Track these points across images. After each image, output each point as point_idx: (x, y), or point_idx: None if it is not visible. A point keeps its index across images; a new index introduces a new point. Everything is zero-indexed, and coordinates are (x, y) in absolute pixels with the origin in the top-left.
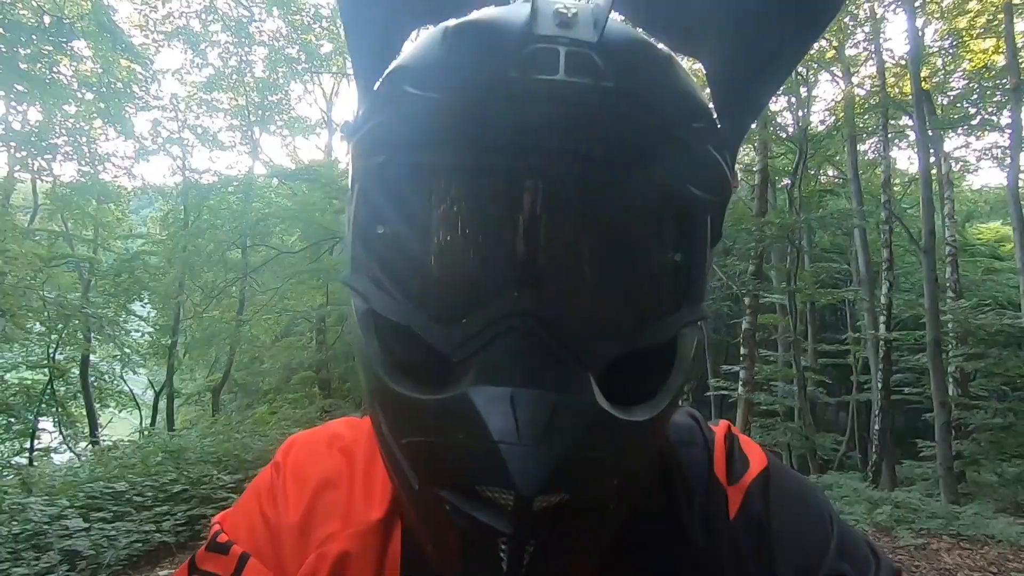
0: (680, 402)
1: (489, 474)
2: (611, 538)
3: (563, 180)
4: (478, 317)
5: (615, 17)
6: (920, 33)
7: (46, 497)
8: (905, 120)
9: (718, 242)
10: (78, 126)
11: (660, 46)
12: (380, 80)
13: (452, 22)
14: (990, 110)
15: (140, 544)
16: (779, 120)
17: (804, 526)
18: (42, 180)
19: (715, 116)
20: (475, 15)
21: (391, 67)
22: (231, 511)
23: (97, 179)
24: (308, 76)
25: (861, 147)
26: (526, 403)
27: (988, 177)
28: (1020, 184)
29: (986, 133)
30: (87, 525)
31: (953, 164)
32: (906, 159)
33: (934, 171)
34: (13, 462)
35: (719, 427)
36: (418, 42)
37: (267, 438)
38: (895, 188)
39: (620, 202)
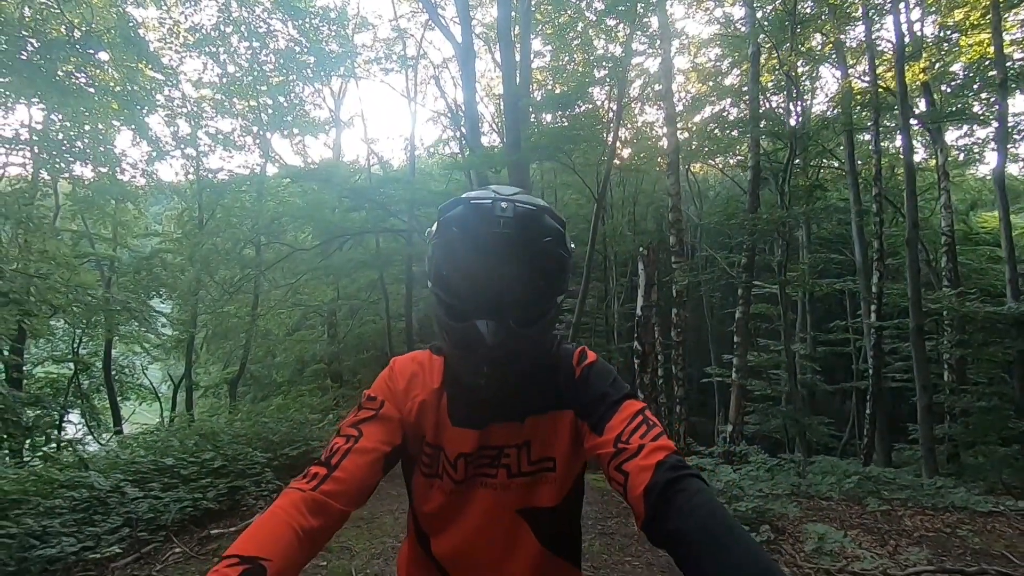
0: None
1: (481, 344)
2: (524, 371)
3: (501, 262)
4: (477, 300)
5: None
6: (921, 25)
7: (101, 473)
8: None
9: (569, 276)
10: (97, 128)
11: (541, 205)
12: (440, 220)
13: (469, 199)
14: (992, 100)
15: (191, 509)
16: (778, 111)
17: (600, 378)
18: (66, 181)
19: (562, 232)
20: (474, 198)
21: (445, 216)
22: (371, 389)
23: (116, 180)
24: (319, 80)
25: (865, 136)
26: (491, 324)
27: (995, 165)
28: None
29: (984, 124)
30: (143, 494)
31: (960, 154)
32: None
33: (933, 161)
34: (44, 450)
35: (579, 348)
36: (458, 208)
37: (291, 422)
38: (898, 177)
39: (521, 268)
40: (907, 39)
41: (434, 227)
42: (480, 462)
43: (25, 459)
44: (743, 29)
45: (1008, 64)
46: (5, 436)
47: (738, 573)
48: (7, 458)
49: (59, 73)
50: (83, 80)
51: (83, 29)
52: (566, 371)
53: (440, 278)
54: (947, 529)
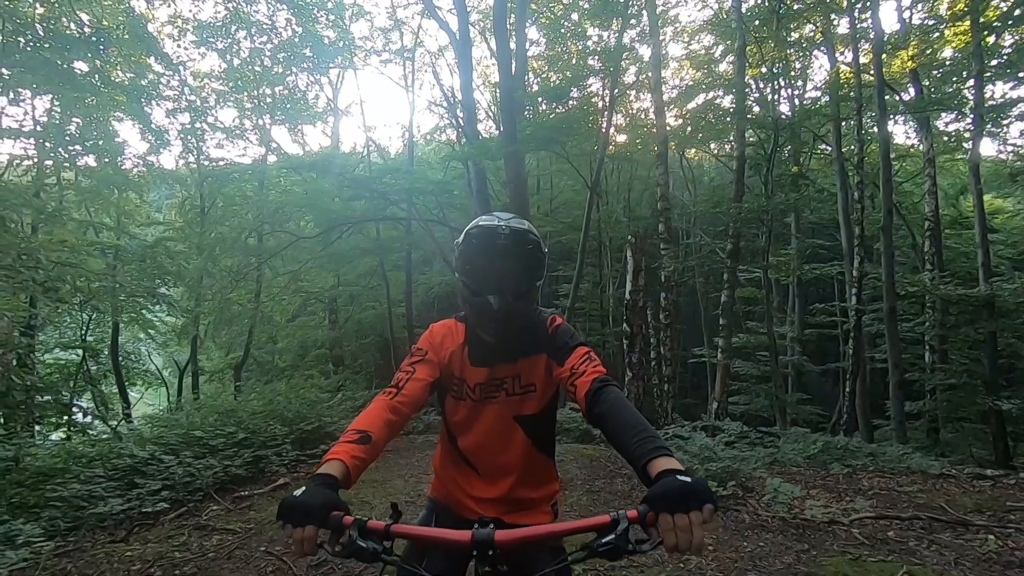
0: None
1: (490, 310)
2: (517, 329)
3: (503, 259)
4: (487, 283)
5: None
6: (910, 13)
7: (136, 445)
8: (894, 97)
9: (544, 269)
10: (102, 119)
11: (527, 225)
12: (464, 234)
13: (482, 223)
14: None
15: (222, 475)
16: (770, 100)
17: (564, 334)
18: (67, 170)
19: (539, 241)
20: (486, 221)
21: (467, 232)
22: (418, 343)
23: (119, 169)
24: (318, 71)
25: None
26: (496, 298)
27: (984, 150)
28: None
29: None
30: (177, 461)
31: (949, 140)
32: (902, 133)
33: (922, 148)
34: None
35: (551, 315)
36: (476, 228)
37: (304, 400)
38: (893, 163)
39: (514, 264)
40: (897, 27)
41: (460, 239)
42: (489, 388)
43: (37, 440)
44: (733, 25)
45: (1002, 51)
46: (40, 416)
47: (626, 425)
48: (20, 435)
49: (77, 70)
50: (97, 79)
51: (94, 26)
52: (543, 329)
53: (464, 270)
54: (899, 488)
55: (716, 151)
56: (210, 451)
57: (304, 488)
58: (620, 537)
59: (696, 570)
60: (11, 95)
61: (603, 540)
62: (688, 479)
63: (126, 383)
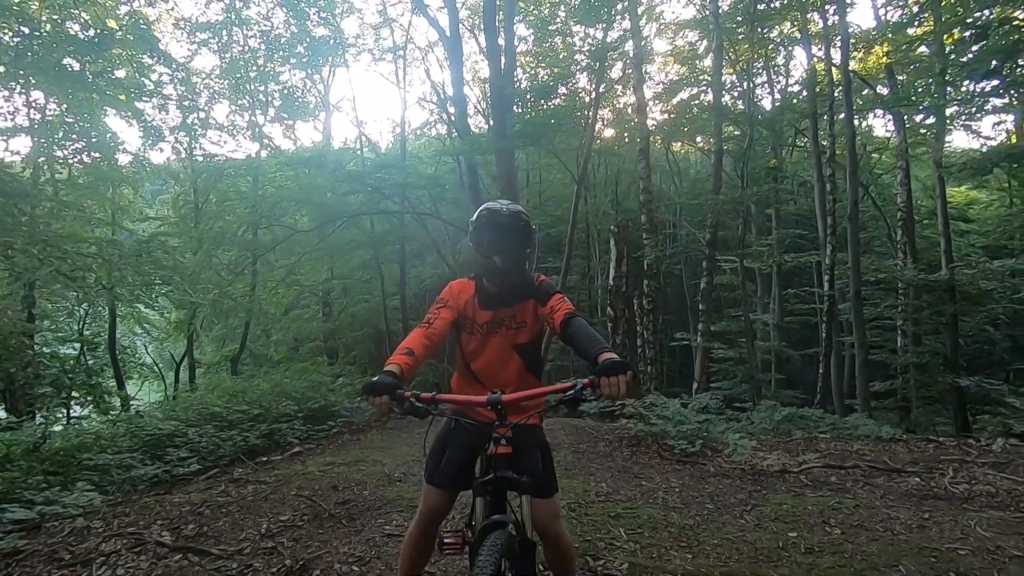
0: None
1: (496, 267)
2: (514, 282)
3: (504, 231)
4: (493, 247)
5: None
6: (886, 11)
7: (161, 421)
8: (872, 91)
9: (535, 239)
10: (100, 118)
11: (521, 208)
12: (476, 214)
13: (489, 206)
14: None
15: (243, 444)
16: (752, 96)
17: (546, 287)
18: (60, 166)
19: (529, 219)
20: (492, 205)
21: (479, 212)
22: (441, 295)
23: (115, 165)
24: (311, 68)
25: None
26: (500, 258)
27: (958, 141)
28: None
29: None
30: (200, 433)
31: (926, 132)
32: (881, 126)
33: (897, 140)
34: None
35: (537, 274)
36: (485, 209)
37: (310, 381)
38: (872, 156)
39: (515, 236)
40: (875, 23)
41: (474, 217)
42: (493, 325)
43: (40, 424)
44: (711, 26)
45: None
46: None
47: (585, 338)
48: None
49: (87, 73)
50: (100, 79)
51: (98, 27)
52: (532, 283)
53: (477, 239)
54: (851, 449)
55: (701, 145)
56: (229, 425)
57: (378, 376)
58: (577, 392)
59: (662, 503)
60: (6, 92)
61: (567, 394)
62: (619, 359)
63: (123, 376)
